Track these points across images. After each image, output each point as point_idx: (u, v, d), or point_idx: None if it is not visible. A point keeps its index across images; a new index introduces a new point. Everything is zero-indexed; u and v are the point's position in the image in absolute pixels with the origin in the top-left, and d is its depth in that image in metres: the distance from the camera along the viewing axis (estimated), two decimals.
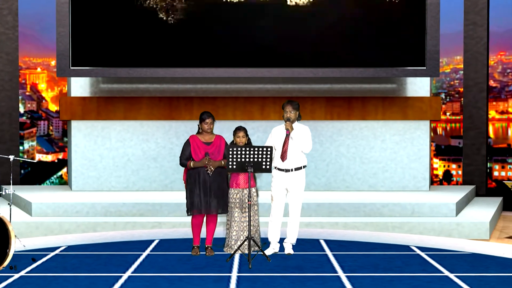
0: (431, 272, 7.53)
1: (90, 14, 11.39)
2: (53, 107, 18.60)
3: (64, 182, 16.77)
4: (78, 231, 10.18)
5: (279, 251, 8.57)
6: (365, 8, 11.47)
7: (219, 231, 9.47)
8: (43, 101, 18.78)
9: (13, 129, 14.08)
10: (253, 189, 8.51)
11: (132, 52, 11.44)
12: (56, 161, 18.06)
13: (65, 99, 12.39)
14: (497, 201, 12.64)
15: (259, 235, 8.62)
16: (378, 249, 8.86)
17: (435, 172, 17.06)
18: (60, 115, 12.43)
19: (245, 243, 8.34)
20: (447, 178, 17.29)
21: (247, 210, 8.39)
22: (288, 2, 11.33)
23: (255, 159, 8.08)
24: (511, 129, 17.52)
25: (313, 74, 11.48)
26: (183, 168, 8.52)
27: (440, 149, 18.09)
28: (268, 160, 8.12)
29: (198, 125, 8.45)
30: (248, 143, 8.50)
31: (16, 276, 7.25)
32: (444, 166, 17.79)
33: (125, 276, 7.31)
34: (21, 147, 15.23)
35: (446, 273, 7.47)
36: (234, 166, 8.11)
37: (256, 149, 8.07)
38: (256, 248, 8.38)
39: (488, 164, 14.44)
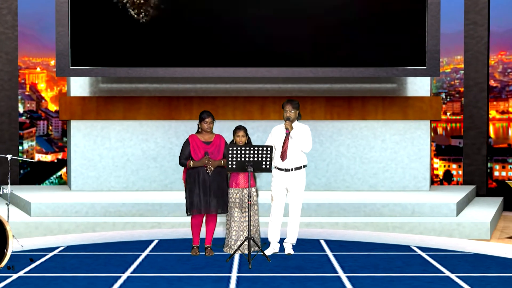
0: (432, 272, 7.50)
1: (89, 14, 11.36)
2: (52, 107, 18.57)
3: (63, 182, 16.75)
4: (77, 231, 10.15)
5: (279, 251, 8.54)
6: (365, 8, 11.44)
7: (219, 231, 9.44)
8: (43, 101, 18.75)
9: (12, 129, 14.07)
10: (253, 189, 8.48)
11: (131, 51, 11.41)
12: (55, 161, 18.03)
13: (65, 99, 12.36)
14: (497, 201, 12.62)
15: (259, 235, 8.59)
16: (378, 249, 8.83)
17: (435, 172, 17.04)
18: (60, 115, 12.41)
19: (245, 243, 8.31)
20: (448, 178, 17.26)
21: (247, 210, 8.36)
22: None
23: (255, 159, 8.05)
24: None
25: (313, 74, 11.45)
26: (183, 168, 8.49)
27: (441, 149, 18.07)
28: (268, 159, 8.09)
29: (198, 125, 8.43)
30: (248, 143, 8.47)
31: (15, 276, 7.22)
32: (445, 166, 17.76)
33: (124, 276, 7.28)
34: (20, 147, 15.21)
35: (447, 273, 7.44)
36: (234, 166, 8.08)
37: (256, 148, 8.04)
38: (256, 248, 8.35)
39: (489, 164, 14.42)
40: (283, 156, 8.29)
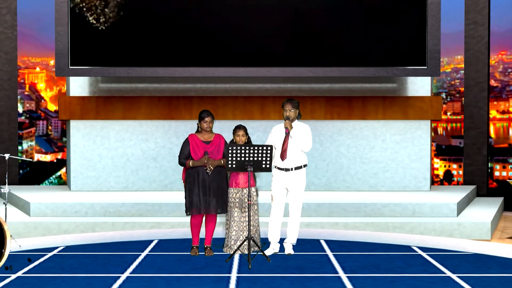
0: (433, 272, 7.48)
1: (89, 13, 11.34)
2: (52, 107, 18.53)
3: (63, 182, 16.72)
4: (76, 231, 10.13)
5: (279, 251, 8.51)
6: (365, 7, 11.42)
7: (219, 231, 9.41)
8: (42, 100, 18.71)
9: (11, 129, 14.05)
10: (253, 189, 8.45)
11: (131, 51, 11.39)
12: (55, 161, 17.99)
13: (64, 99, 12.34)
14: (498, 201, 12.60)
15: (259, 235, 8.56)
16: (379, 249, 8.81)
17: (435, 172, 17.00)
18: (59, 115, 12.39)
19: (245, 243, 8.27)
20: (448, 178, 17.22)
21: (246, 210, 8.33)
22: None
23: (255, 158, 8.02)
24: None
25: (313, 74, 11.42)
26: (182, 168, 8.46)
27: (441, 149, 18.02)
28: (268, 159, 8.05)
29: (197, 124, 8.40)
30: (248, 142, 8.44)
31: (13, 276, 7.20)
32: (445, 166, 17.72)
33: (123, 276, 7.25)
34: (19, 147, 15.18)
35: (448, 273, 7.42)
36: (234, 165, 8.05)
37: (256, 148, 8.01)
38: (256, 248, 8.32)
39: (489, 164, 14.39)
40: (283, 156, 8.26)
